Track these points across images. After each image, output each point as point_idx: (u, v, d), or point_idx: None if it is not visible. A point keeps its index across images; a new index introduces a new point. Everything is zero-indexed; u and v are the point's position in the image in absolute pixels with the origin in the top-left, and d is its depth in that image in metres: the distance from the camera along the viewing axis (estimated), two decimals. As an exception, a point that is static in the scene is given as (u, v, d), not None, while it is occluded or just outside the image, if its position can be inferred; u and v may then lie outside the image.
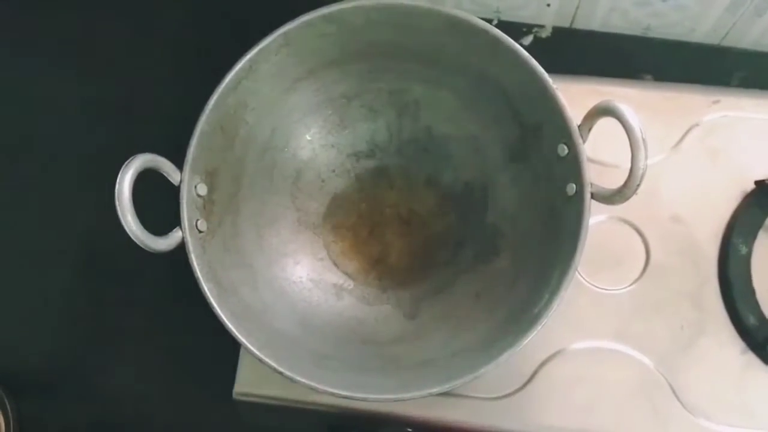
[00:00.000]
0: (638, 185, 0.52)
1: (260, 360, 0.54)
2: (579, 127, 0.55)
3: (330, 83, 0.64)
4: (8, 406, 0.70)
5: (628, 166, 0.53)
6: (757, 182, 0.66)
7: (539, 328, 0.53)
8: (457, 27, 0.58)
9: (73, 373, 0.73)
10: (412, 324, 0.63)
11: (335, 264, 0.66)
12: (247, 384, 0.65)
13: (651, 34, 0.76)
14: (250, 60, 0.58)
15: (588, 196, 0.55)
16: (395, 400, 0.54)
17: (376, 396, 0.54)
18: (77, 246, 0.75)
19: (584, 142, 0.56)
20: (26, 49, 0.81)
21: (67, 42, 0.80)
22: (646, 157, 0.51)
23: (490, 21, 0.76)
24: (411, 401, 0.60)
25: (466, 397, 0.63)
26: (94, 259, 0.75)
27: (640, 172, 0.52)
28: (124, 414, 0.72)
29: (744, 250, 0.65)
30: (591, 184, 0.55)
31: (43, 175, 0.78)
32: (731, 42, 0.75)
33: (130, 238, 0.53)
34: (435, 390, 0.53)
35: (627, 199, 0.53)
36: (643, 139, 0.51)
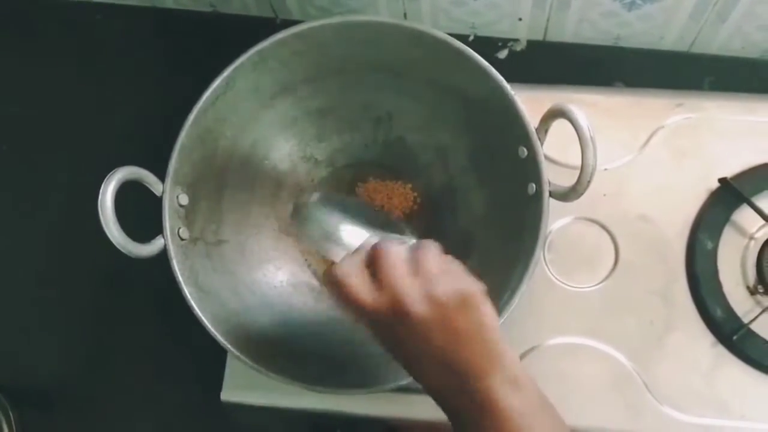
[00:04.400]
0: (589, 181, 0.55)
1: (239, 359, 0.57)
2: (536, 129, 0.58)
3: (305, 98, 0.68)
4: (11, 417, 0.73)
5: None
6: (720, 180, 0.68)
7: (501, 321, 0.55)
8: (421, 40, 0.61)
9: (74, 384, 0.76)
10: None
11: (315, 269, 0.69)
12: (234, 390, 0.68)
13: (622, 44, 0.79)
14: (227, 77, 0.61)
15: (546, 194, 0.57)
16: (368, 392, 0.57)
17: (348, 389, 0.57)
18: (75, 259, 0.78)
19: (542, 143, 0.58)
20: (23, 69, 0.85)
21: (79, 78, 0.84)
22: (596, 155, 0.54)
23: (466, 36, 0.80)
24: (393, 400, 0.64)
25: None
26: (93, 272, 0.77)
27: (590, 168, 0.54)
28: (120, 421, 0.75)
29: (710, 245, 0.66)
30: (549, 182, 0.58)
31: (39, 191, 0.81)
32: (700, 48, 0.77)
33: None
34: (404, 382, 0.56)
35: (580, 195, 0.56)
36: (592, 138, 0.54)
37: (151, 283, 0.67)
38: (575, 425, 0.64)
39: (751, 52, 0.76)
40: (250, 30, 0.65)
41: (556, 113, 0.56)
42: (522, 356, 0.66)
